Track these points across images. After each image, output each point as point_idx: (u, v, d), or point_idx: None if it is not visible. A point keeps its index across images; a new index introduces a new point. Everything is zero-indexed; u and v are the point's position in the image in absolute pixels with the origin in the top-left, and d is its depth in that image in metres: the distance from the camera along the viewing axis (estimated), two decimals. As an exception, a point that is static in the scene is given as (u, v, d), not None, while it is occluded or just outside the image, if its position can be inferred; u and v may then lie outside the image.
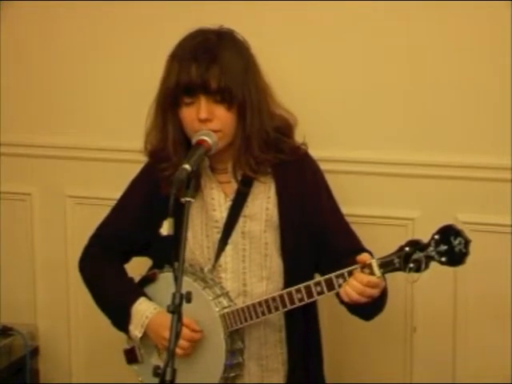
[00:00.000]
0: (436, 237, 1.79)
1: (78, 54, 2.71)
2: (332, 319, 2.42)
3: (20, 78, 2.80)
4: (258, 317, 1.96)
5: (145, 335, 2.06)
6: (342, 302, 1.93)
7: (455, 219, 2.32)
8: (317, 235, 2.06)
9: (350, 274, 1.86)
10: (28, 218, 2.86)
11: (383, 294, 1.92)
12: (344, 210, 2.15)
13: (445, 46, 2.31)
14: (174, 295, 1.65)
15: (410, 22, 2.33)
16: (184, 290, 1.66)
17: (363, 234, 2.16)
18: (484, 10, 2.24)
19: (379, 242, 2.28)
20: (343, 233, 2.10)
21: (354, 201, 2.39)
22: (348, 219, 2.15)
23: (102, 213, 2.25)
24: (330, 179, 2.16)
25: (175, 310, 1.64)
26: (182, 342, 1.94)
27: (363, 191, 2.43)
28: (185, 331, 1.94)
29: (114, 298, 2.13)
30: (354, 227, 2.15)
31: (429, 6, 2.28)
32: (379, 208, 2.43)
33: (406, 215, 2.40)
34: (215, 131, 1.95)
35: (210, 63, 1.93)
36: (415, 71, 2.35)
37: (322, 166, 2.16)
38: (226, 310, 1.99)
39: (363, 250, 2.07)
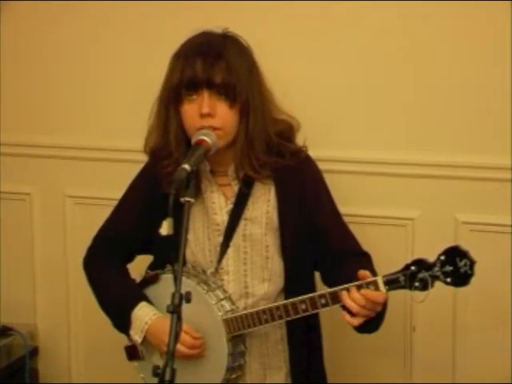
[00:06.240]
0: (442, 257, 1.80)
1: (77, 54, 2.71)
2: (332, 319, 2.42)
3: (20, 78, 2.80)
4: (261, 324, 1.96)
5: (145, 339, 2.06)
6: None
7: (455, 219, 2.33)
8: (316, 237, 2.06)
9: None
10: (27, 217, 2.85)
11: (384, 307, 1.92)
12: (344, 210, 2.15)
13: (445, 46, 2.31)
14: (173, 295, 1.64)
15: (409, 22, 2.33)
16: (184, 290, 1.65)
17: (363, 234, 2.17)
18: (484, 10, 2.24)
19: (379, 242, 2.30)
20: (342, 236, 2.10)
21: (354, 201, 2.39)
22: (348, 219, 2.16)
23: (102, 213, 2.25)
24: (330, 179, 2.16)
25: (175, 310, 1.63)
26: (182, 349, 1.95)
27: (363, 191, 2.43)
28: (186, 338, 1.96)
29: (115, 302, 2.13)
30: (354, 227, 2.15)
31: (429, 6, 2.28)
32: (379, 208, 2.42)
33: (405, 215, 2.40)
34: (216, 128, 1.94)
35: (216, 59, 1.93)
36: (415, 71, 2.35)
37: (322, 166, 2.16)
38: (228, 315, 1.98)
39: (361, 252, 2.10)
